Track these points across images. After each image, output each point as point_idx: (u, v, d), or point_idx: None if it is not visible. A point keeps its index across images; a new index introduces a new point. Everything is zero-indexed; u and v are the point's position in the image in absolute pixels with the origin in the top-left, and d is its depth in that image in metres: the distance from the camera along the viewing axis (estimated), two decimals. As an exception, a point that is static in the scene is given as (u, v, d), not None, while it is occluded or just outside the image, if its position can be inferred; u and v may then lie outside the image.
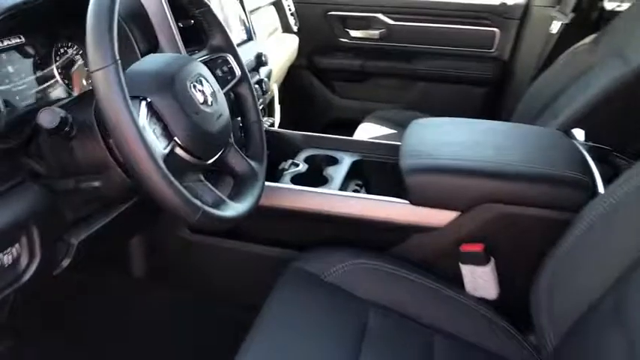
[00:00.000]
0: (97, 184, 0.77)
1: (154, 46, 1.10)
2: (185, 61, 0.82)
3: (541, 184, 1.10)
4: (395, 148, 1.38)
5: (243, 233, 1.29)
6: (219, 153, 0.86)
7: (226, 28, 0.98)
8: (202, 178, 0.81)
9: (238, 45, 1.39)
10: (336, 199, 1.20)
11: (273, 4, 2.17)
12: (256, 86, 1.42)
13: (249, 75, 1.03)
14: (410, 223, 1.16)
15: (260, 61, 1.47)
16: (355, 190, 1.39)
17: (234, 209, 0.80)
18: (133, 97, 0.72)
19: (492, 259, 1.12)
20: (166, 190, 0.67)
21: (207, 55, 0.95)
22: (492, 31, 2.24)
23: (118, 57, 0.65)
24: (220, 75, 0.96)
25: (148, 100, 0.73)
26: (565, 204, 1.07)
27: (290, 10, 2.29)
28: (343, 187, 1.31)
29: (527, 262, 1.06)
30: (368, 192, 1.45)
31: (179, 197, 0.68)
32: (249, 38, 1.49)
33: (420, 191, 1.15)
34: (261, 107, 1.51)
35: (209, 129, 0.80)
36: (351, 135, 2.03)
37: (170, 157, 0.73)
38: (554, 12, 2.04)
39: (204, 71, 0.86)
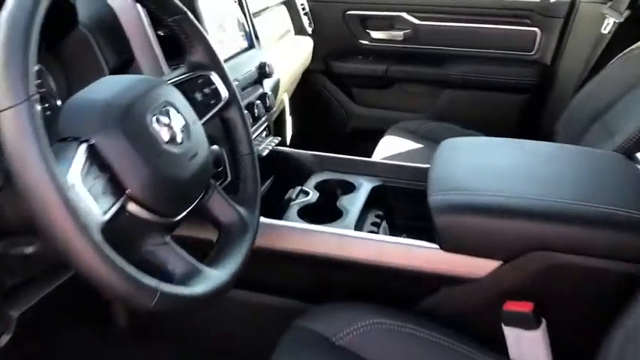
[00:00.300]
0: (30, 249, 0.61)
1: (126, 61, 0.94)
2: (148, 86, 0.65)
3: (603, 228, 0.93)
4: (422, 172, 1.25)
5: (240, 279, 1.12)
6: (194, 203, 0.69)
7: (209, 40, 0.81)
8: (168, 239, 0.63)
9: (237, 54, 1.23)
10: (351, 241, 1.04)
11: (285, 3, 2.01)
12: (258, 102, 1.25)
13: (238, 96, 0.86)
14: (440, 273, 1.00)
15: (263, 72, 1.30)
16: (374, 224, 1.24)
17: (210, 281, 0.63)
18: (67, 139, 0.55)
19: (543, 321, 0.95)
20: (104, 273, 0.50)
21: (184, 74, 0.79)
22: (533, 31, 2.05)
23: (33, 92, 0.48)
24: (201, 99, 0.79)
25: (90, 142, 0.57)
26: (634, 254, 0.91)
27: (304, 9, 2.12)
28: (360, 220, 1.17)
29: (588, 326, 0.91)
30: (389, 224, 1.30)
31: (124, 280, 0.51)
32: (250, 45, 1.32)
33: (453, 235, 0.98)
34: (265, 125, 1.35)
35: (177, 175, 0.64)
36: (372, 148, 1.89)
37: (119, 219, 0.57)
38: (606, 9, 1.83)
39: (175, 97, 0.69)
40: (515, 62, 2.10)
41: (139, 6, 0.92)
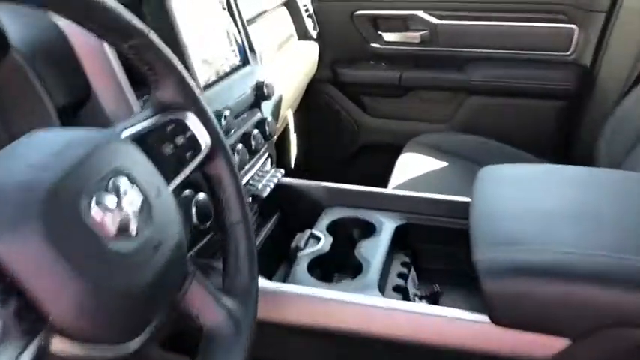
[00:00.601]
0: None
1: (81, 97, 0.75)
2: (88, 149, 0.47)
3: None
4: (454, 206, 1.14)
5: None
6: (160, 317, 0.50)
7: (181, 70, 0.62)
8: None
9: (227, 74, 1.04)
10: (378, 312, 0.87)
11: (285, 4, 1.81)
12: (256, 132, 1.06)
13: (224, 142, 0.67)
14: (491, 353, 0.82)
15: (261, 93, 1.12)
16: (401, 275, 1.08)
17: None
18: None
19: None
20: None
21: (148, 118, 0.59)
22: (569, 28, 1.84)
23: None
24: (172, 152, 0.60)
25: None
26: None
27: (307, 11, 1.93)
28: (384, 272, 1.01)
29: None
30: (418, 270, 1.12)
31: None
32: (244, 61, 1.13)
33: (507, 305, 0.81)
34: (266, 156, 1.16)
35: (131, 283, 0.45)
36: (388, 165, 1.72)
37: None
38: (655, 2, 1.63)
39: (130, 160, 0.50)
40: (549, 65, 1.90)
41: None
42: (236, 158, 0.97)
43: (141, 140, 0.56)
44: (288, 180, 1.24)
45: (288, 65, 1.67)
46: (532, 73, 1.91)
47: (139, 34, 0.57)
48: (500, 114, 1.98)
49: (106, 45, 0.75)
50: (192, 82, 0.64)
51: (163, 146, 0.59)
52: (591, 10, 1.80)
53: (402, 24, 2.01)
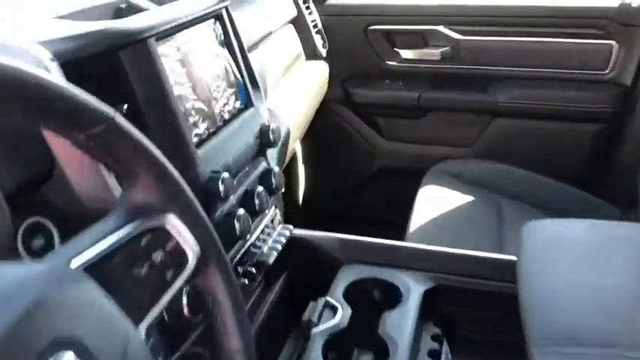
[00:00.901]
0: None
1: (42, 173, 0.62)
2: (13, 314, 0.33)
3: None
4: (500, 266, 1.01)
5: None
6: None
7: (162, 160, 0.48)
8: None
9: (227, 123, 0.91)
10: None
11: (292, 22, 1.68)
12: (260, 190, 0.93)
13: (218, 246, 0.53)
14: None
15: (266, 140, 0.98)
16: (433, 354, 0.94)
17: None
18: None
19: None
20: None
21: (113, 231, 0.45)
22: (608, 44, 1.70)
23: None
24: (146, 274, 0.46)
25: None
26: None
27: (315, 26, 1.79)
28: (413, 350, 0.90)
29: None
30: (450, 341, 1.00)
31: None
32: (247, 104, 0.99)
33: None
34: (271, 211, 1.03)
35: None
36: (406, 193, 1.63)
37: None
38: None
39: (79, 320, 0.37)
40: (584, 84, 1.75)
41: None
42: (236, 226, 0.84)
43: (102, 266, 0.43)
44: (297, 232, 1.11)
45: (296, 91, 1.54)
46: (565, 94, 1.76)
47: (101, 120, 0.44)
48: (528, 139, 1.84)
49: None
50: (174, 173, 0.50)
51: (135, 268, 0.46)
52: (633, 25, 1.65)
53: (420, 40, 1.87)
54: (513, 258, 0.98)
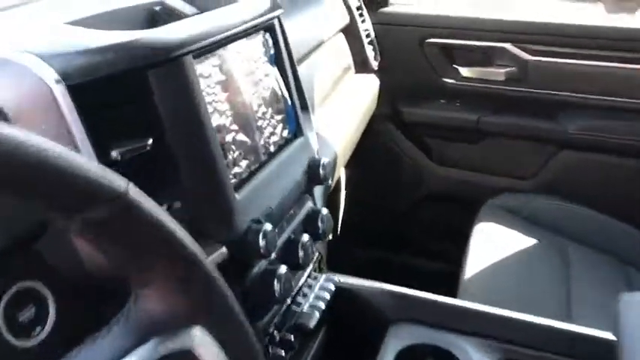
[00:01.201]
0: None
1: (32, 231, 0.48)
2: None
3: None
4: (590, 344, 0.86)
5: None
6: None
7: (190, 247, 0.34)
8: None
9: (273, 155, 0.77)
10: None
11: (343, 30, 1.53)
12: (305, 239, 0.78)
13: None
14: None
15: (315, 176, 0.84)
16: None
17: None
18: None
19: None
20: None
21: (123, 353, 0.31)
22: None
23: None
24: None
25: None
26: None
27: (368, 36, 1.65)
28: None
29: None
30: None
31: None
32: (296, 133, 0.85)
33: None
34: (317, 262, 0.89)
35: None
36: (458, 226, 1.52)
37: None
38: None
39: None
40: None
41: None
42: (276, 288, 0.69)
43: None
44: (338, 279, 0.96)
45: (345, 109, 1.39)
46: (642, 127, 1.59)
47: (108, 195, 0.30)
48: (599, 175, 1.66)
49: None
50: (208, 268, 0.36)
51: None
52: None
53: (483, 57, 1.71)
54: (610, 336, 0.83)
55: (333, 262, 1.06)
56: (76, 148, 0.51)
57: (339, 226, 1.54)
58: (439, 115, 1.79)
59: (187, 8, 0.84)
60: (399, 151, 1.85)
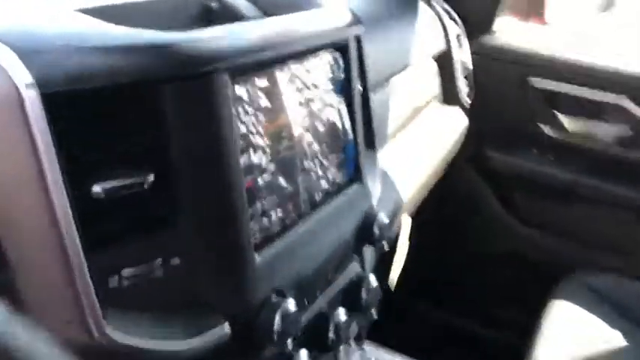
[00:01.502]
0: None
1: None
2: None
3: None
4: None
5: None
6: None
7: None
8: None
9: (318, 205, 0.62)
10: None
11: (437, 58, 1.38)
12: (342, 319, 0.63)
13: None
14: None
15: (368, 235, 0.68)
16: None
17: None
18: None
19: None
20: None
21: None
22: None
23: None
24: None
25: None
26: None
27: (465, 68, 1.48)
28: None
29: None
30: None
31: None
32: (353, 179, 0.70)
33: None
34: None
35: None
36: (535, 298, 1.33)
37: None
38: None
39: None
40: None
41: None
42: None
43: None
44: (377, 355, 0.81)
45: (423, 146, 1.23)
46: None
47: None
48: None
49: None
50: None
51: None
52: None
53: (592, 109, 1.50)
54: None
55: (383, 316, 0.91)
56: (42, 176, 0.39)
57: (395, 279, 1.38)
58: (531, 167, 1.60)
59: (251, 10, 0.71)
60: (479, 200, 1.67)
